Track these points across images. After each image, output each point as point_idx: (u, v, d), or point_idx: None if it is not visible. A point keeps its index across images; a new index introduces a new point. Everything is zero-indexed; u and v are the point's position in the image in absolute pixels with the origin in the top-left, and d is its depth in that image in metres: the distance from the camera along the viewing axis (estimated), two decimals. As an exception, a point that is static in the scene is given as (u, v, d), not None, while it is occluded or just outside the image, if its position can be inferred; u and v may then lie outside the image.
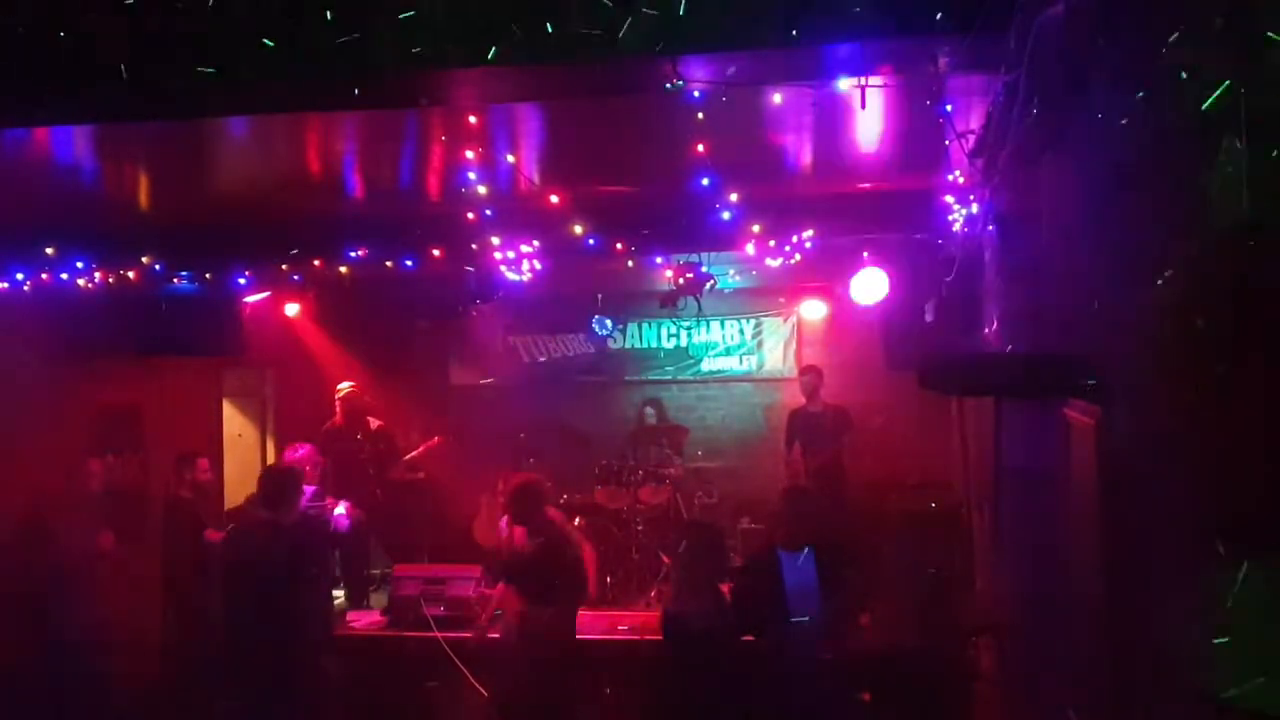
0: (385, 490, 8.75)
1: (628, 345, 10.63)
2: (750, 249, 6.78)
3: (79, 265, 7.18)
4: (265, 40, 3.59)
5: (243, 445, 9.95)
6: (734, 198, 5.59)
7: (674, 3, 3.39)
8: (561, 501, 8.96)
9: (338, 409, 8.83)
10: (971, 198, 5.27)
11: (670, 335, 10.58)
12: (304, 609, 6.01)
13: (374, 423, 8.88)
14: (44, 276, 7.19)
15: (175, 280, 7.73)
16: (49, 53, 3.84)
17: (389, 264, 7.40)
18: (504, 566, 6.25)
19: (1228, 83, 1.83)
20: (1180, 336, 2.08)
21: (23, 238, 6.89)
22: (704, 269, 7.11)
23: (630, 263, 7.44)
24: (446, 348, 10.76)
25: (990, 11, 3.09)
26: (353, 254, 7.23)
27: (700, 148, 4.47)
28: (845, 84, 3.79)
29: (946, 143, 4.35)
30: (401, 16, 3.55)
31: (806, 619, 5.26)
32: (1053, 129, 3.23)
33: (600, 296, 9.85)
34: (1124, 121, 2.55)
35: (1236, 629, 1.83)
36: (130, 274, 7.34)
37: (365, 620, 7.85)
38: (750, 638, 5.53)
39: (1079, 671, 3.25)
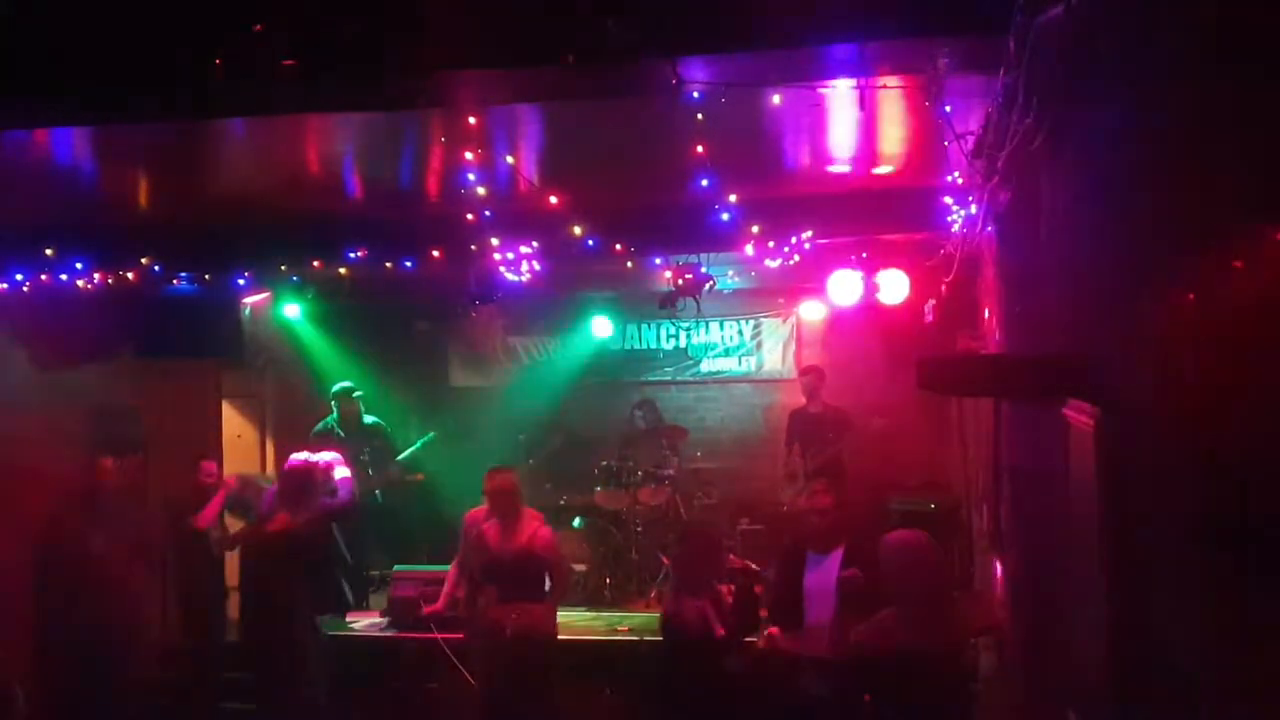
0: (383, 490, 8.76)
1: (627, 346, 10.62)
2: (749, 250, 6.78)
3: (78, 266, 7.18)
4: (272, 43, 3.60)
5: (242, 446, 9.94)
6: (733, 198, 5.59)
7: (674, 3, 3.39)
8: (561, 502, 8.99)
9: (335, 409, 8.85)
10: (971, 198, 5.27)
11: (669, 336, 10.55)
12: (308, 611, 6.03)
13: (369, 420, 8.91)
14: (43, 277, 7.19)
15: (175, 281, 7.74)
16: (49, 53, 3.84)
17: (389, 265, 7.40)
18: (483, 566, 6.27)
19: (1225, 83, 1.84)
20: (1180, 337, 2.09)
21: (23, 238, 6.90)
22: (703, 270, 7.11)
23: (629, 264, 7.45)
24: (446, 348, 10.76)
25: (990, 13, 3.09)
26: (352, 255, 7.23)
27: (699, 149, 4.47)
28: (845, 85, 3.79)
29: (946, 143, 4.36)
30: (401, 17, 3.55)
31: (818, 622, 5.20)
32: (1052, 130, 3.23)
33: (600, 297, 9.85)
34: (1123, 122, 2.56)
35: (1236, 629, 1.83)
36: (130, 275, 7.35)
37: (364, 621, 7.84)
38: (750, 639, 5.53)
39: (1079, 671, 3.25)
